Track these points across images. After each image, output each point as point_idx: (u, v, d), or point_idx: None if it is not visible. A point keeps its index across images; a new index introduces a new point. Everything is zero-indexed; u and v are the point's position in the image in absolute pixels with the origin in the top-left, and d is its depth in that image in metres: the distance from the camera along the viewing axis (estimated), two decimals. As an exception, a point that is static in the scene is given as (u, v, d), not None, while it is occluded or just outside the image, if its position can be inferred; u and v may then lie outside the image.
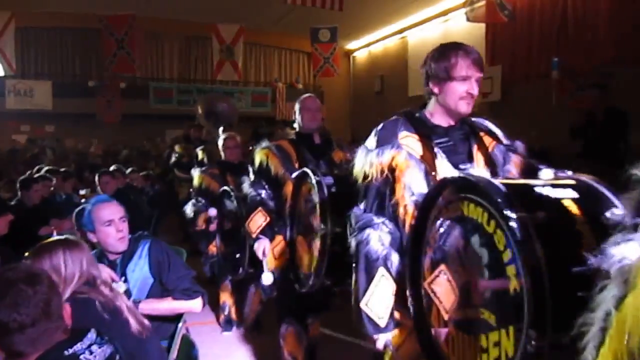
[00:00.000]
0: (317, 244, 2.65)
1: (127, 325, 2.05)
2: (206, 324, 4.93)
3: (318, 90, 18.66)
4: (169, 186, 8.56)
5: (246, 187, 3.48)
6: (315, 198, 2.66)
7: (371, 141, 1.99)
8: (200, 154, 6.75)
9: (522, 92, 10.48)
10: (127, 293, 2.58)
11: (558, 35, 9.73)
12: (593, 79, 7.34)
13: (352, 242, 1.98)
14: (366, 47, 17.56)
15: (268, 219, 3.28)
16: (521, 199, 1.38)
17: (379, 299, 1.89)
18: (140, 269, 2.67)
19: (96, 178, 5.83)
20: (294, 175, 3.02)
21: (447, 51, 1.91)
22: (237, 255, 4.02)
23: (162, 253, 2.71)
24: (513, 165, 2.01)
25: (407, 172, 1.87)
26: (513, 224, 1.31)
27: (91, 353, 1.58)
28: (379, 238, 1.91)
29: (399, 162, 1.88)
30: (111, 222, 2.62)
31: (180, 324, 2.76)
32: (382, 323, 1.90)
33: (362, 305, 1.91)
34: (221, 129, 6.61)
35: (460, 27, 12.48)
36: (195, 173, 4.96)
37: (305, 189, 2.87)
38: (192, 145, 7.70)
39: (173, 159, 8.15)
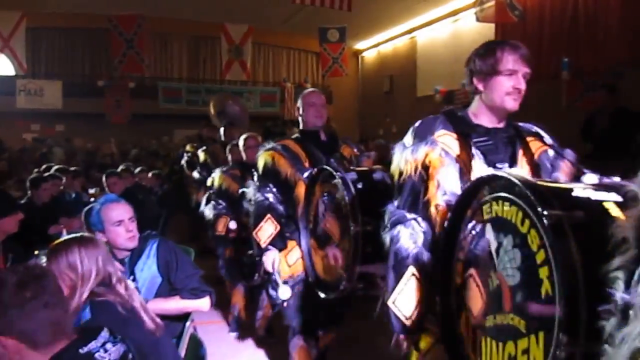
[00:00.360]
0: (344, 245, 2.49)
1: (143, 324, 2.06)
2: (214, 323, 4.94)
3: (327, 90, 18.64)
4: (178, 185, 8.57)
5: (252, 192, 3.32)
6: (339, 196, 2.51)
7: (408, 138, 1.96)
8: (202, 155, 6.70)
9: (532, 92, 10.26)
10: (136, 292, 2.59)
11: (568, 36, 9.65)
12: (603, 80, 7.28)
13: (385, 239, 1.94)
14: (375, 47, 17.52)
15: (278, 227, 3.08)
16: (558, 198, 1.31)
17: (407, 298, 1.85)
18: (148, 268, 2.67)
19: (103, 179, 5.86)
20: (306, 174, 2.88)
21: (493, 46, 1.89)
22: (257, 258, 3.79)
23: (170, 252, 2.71)
24: (562, 173, 1.95)
25: (440, 170, 1.83)
26: (548, 222, 1.24)
27: (106, 351, 1.58)
28: (410, 235, 1.87)
29: (432, 159, 1.84)
30: (121, 223, 2.63)
31: (188, 323, 2.76)
32: (409, 323, 1.85)
33: (389, 303, 1.87)
34: (222, 130, 6.69)
35: (470, 27, 12.42)
36: (216, 174, 4.82)
37: (319, 190, 2.72)
38: (204, 145, 7.58)
39: (185, 158, 8.08)
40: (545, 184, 1.45)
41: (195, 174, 6.79)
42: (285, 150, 3.12)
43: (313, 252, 2.82)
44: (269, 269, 3.06)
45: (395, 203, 1.97)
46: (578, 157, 1.99)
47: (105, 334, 1.63)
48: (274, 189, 3.15)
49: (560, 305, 1.21)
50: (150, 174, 8.13)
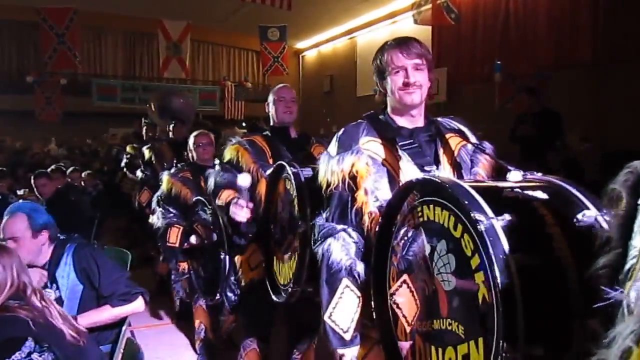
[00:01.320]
0: (295, 245, 2.36)
1: (62, 335, 1.95)
2: (151, 327, 4.82)
3: (267, 90, 18.54)
4: (112, 186, 8.26)
5: (212, 175, 3.01)
6: (293, 193, 2.37)
7: (332, 147, 1.92)
8: (147, 153, 6.36)
9: (467, 94, 10.77)
10: (59, 301, 2.48)
11: (500, 39, 10.05)
12: (532, 82, 7.62)
13: (317, 253, 1.88)
14: (315, 47, 17.61)
15: (240, 195, 2.77)
16: (488, 201, 1.29)
17: (343, 312, 1.80)
18: (67, 275, 2.55)
19: (32, 180, 5.59)
20: (268, 172, 2.74)
21: (381, 48, 1.93)
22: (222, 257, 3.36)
23: (88, 258, 2.57)
24: (481, 167, 1.95)
25: (368, 178, 1.80)
26: (481, 227, 1.23)
27: None
28: (341, 247, 1.82)
29: (359, 168, 1.80)
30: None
31: (124, 328, 2.68)
32: (347, 336, 1.80)
33: (325, 318, 1.81)
34: (172, 125, 6.28)
35: (408, 29, 12.67)
36: (164, 176, 4.25)
37: (282, 188, 2.57)
38: (146, 144, 6.91)
39: (125, 160, 7.52)
40: (475, 185, 1.42)
41: (139, 173, 6.44)
42: (250, 146, 2.98)
43: (273, 255, 2.67)
44: (239, 217, 2.69)
45: (324, 215, 1.92)
46: (510, 157, 2.01)
47: (30, 343, 1.56)
48: None
49: (497, 311, 1.19)
50: (84, 174, 7.83)
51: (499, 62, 9.16)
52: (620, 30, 7.76)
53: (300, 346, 3.16)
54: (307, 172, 2.33)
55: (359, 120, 1.97)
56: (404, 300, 1.60)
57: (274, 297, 2.51)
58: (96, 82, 15.62)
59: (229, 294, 3.15)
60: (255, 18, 13.31)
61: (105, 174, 9.21)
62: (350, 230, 1.84)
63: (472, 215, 1.27)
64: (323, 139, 3.30)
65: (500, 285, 1.17)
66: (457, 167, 1.91)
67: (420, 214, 1.53)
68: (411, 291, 1.57)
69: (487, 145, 2.00)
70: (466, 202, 1.29)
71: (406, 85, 1.84)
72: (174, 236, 4.03)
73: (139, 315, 2.95)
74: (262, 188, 2.81)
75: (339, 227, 1.85)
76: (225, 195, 2.84)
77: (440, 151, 1.92)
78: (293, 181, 2.33)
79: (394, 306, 1.64)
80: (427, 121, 1.97)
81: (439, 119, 2.02)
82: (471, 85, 10.72)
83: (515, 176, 1.54)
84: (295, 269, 2.29)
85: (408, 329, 1.59)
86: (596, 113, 8.02)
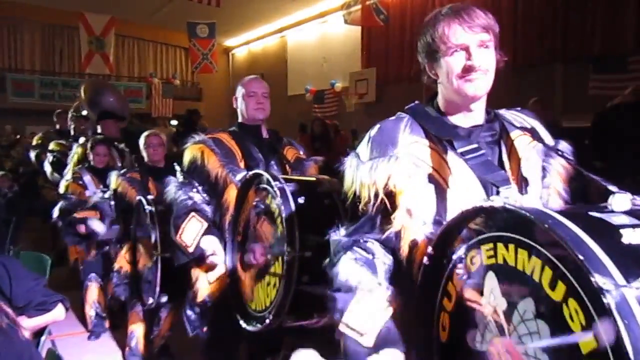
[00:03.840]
0: (275, 269, 2.07)
1: None
2: (74, 335, 4.60)
3: (196, 87, 18.23)
4: (29, 187, 7.74)
5: (172, 190, 2.66)
6: (275, 208, 2.07)
7: (363, 149, 1.46)
8: (79, 150, 5.88)
9: (395, 93, 11.02)
10: None
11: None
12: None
13: (330, 274, 1.46)
14: (246, 44, 17.46)
15: (205, 224, 2.54)
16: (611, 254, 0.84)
17: (359, 315, 1.38)
18: None
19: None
20: (239, 177, 2.44)
21: (435, 18, 1.43)
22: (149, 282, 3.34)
23: None
24: (557, 178, 1.48)
25: (410, 194, 1.36)
26: (609, 300, 0.78)
27: None
28: (356, 261, 1.41)
29: (398, 180, 1.36)
30: None
31: (43, 338, 2.54)
32: (366, 341, 1.34)
33: (341, 328, 1.38)
34: (100, 123, 5.91)
35: (338, 30, 12.84)
36: (112, 176, 4.13)
37: (253, 197, 2.27)
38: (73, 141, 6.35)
39: (51, 158, 6.63)
40: (583, 223, 0.90)
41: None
42: (217, 145, 2.61)
43: (239, 270, 2.35)
44: (216, 261, 2.48)
45: (343, 231, 1.50)
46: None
47: None
48: (200, 189, 2.63)
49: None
50: (-3, 175, 7.37)
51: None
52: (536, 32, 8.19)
53: None
54: (291, 187, 2.03)
55: (400, 114, 1.50)
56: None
57: (244, 325, 2.20)
58: (12, 77, 14.80)
59: (189, 312, 2.70)
60: (184, 14, 13.01)
61: (22, 175, 8.67)
62: (374, 242, 1.43)
63: (592, 279, 0.81)
64: (294, 141, 3.05)
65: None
66: (524, 182, 1.44)
67: (492, 252, 1.08)
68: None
69: (565, 146, 1.54)
70: (580, 257, 0.83)
71: (468, 70, 1.35)
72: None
73: (61, 321, 2.79)
74: (230, 195, 2.48)
75: (362, 239, 1.45)
76: (189, 236, 2.51)
77: (506, 157, 1.45)
78: (279, 198, 2.00)
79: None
80: (488, 116, 1.48)
81: (502, 111, 1.53)
82: (400, 85, 10.98)
83: (621, 203, 0.97)
84: (277, 298, 2.00)
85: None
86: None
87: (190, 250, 2.51)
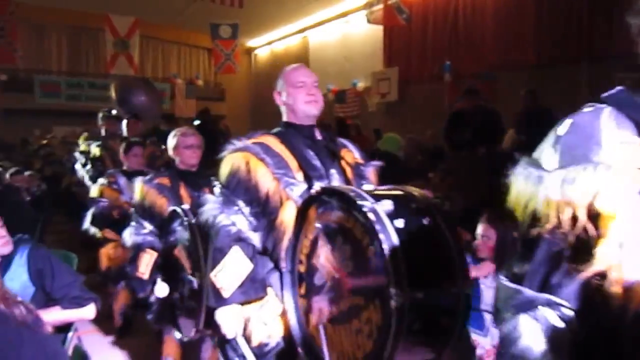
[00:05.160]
0: (370, 315, 1.56)
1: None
2: (100, 333, 4.67)
3: (219, 88, 18.37)
4: (56, 187, 7.88)
5: (211, 213, 2.11)
6: (360, 234, 1.61)
7: (548, 153, 1.08)
8: (97, 151, 5.76)
9: (417, 93, 10.97)
10: None
11: (450, 40, 10.30)
12: (478, 82, 7.82)
13: (503, 334, 1.09)
14: (268, 45, 17.50)
15: (250, 266, 2.04)
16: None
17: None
18: (19, 277, 2.44)
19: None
20: (300, 192, 2.00)
21: None
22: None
23: (44, 260, 2.49)
24: None
25: (626, 220, 0.94)
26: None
27: None
28: (538, 330, 1.02)
29: (609, 199, 0.95)
30: None
31: (70, 334, 2.59)
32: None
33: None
34: (124, 122, 5.86)
35: (360, 29, 12.82)
36: (137, 184, 3.47)
37: (315, 216, 1.83)
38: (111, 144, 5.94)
39: (81, 159, 6.33)
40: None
41: (83, 173, 6.03)
42: (265, 153, 2.10)
43: (302, 308, 1.90)
44: (228, 334, 2.06)
45: (516, 269, 1.12)
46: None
47: None
48: (246, 210, 2.08)
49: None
50: (26, 174, 7.51)
51: (448, 62, 9.38)
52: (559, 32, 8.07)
53: None
54: (387, 206, 1.57)
55: (596, 105, 1.10)
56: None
57: None
58: (39, 79, 15.05)
59: (230, 354, 2.19)
60: (207, 15, 13.12)
61: (52, 177, 8.82)
62: (564, 305, 1.01)
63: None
64: (346, 141, 2.49)
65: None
66: None
67: None
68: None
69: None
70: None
71: None
72: (144, 264, 3.24)
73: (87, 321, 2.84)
74: (286, 215, 2.01)
75: (544, 297, 1.03)
76: (228, 280, 2.02)
77: None
78: (375, 224, 1.51)
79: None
80: None
81: None
82: (422, 84, 10.92)
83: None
84: (377, 352, 1.52)
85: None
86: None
87: (225, 295, 2.03)
